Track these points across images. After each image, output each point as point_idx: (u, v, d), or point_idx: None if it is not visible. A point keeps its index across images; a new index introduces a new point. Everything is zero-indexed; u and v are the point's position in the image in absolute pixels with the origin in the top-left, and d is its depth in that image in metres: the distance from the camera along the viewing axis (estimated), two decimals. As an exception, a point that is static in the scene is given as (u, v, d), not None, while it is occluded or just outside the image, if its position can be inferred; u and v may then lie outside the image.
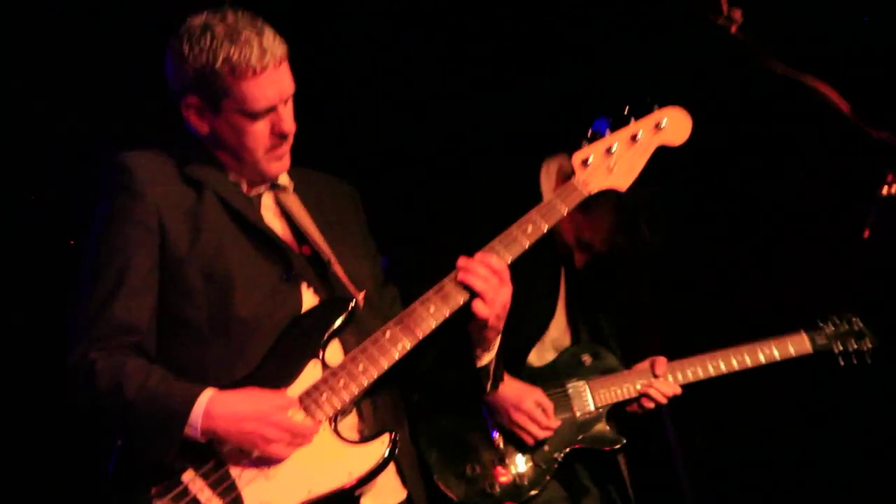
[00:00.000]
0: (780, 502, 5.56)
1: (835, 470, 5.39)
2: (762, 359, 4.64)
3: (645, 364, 4.60)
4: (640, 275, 5.07)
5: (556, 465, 4.47)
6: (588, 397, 4.55)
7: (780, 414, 5.51)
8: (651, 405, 4.57)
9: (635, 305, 5.16)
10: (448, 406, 3.82)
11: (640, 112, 3.49)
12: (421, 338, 3.27)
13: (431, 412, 4.35)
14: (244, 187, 3.40)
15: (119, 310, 3.17)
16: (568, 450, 4.51)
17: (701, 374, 4.61)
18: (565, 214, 3.40)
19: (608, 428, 4.57)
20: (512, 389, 4.37)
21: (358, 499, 3.23)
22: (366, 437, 3.26)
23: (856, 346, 4.76)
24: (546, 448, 4.47)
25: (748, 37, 2.92)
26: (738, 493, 5.59)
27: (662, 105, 3.50)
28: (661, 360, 4.58)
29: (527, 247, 3.36)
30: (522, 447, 4.45)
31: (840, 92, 2.90)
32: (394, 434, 3.24)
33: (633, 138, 3.48)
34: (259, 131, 3.28)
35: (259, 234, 3.33)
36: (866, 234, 2.77)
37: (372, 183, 3.85)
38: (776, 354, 4.66)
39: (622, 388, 4.57)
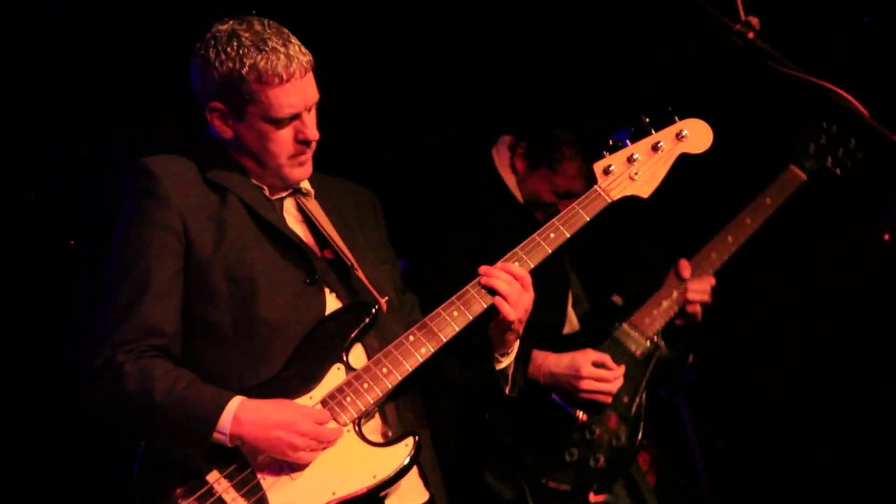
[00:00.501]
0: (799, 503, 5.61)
1: (854, 471, 5.42)
2: (769, 211, 4.53)
3: (670, 275, 4.55)
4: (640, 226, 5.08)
5: (643, 410, 4.47)
6: (637, 332, 4.51)
7: (800, 415, 5.54)
8: (697, 308, 4.53)
9: (643, 257, 5.17)
10: (518, 410, 3.81)
11: (661, 123, 3.54)
12: (444, 342, 3.30)
13: (506, 423, 4.37)
14: (266, 192, 3.42)
15: (145, 313, 3.19)
16: (645, 391, 4.49)
17: (725, 255, 4.55)
18: (588, 221, 3.43)
19: (671, 351, 4.55)
20: (564, 363, 4.38)
21: (382, 500, 3.26)
22: (389, 440, 3.29)
23: (843, 150, 4.63)
24: (625, 399, 4.46)
25: (765, 42, 2.96)
26: (757, 494, 5.62)
27: (682, 116, 3.55)
28: (683, 262, 4.54)
29: (549, 253, 3.39)
30: (603, 409, 4.42)
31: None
32: (417, 437, 3.27)
33: (655, 147, 3.53)
34: (283, 137, 3.31)
35: (282, 237, 3.35)
36: (886, 237, 2.82)
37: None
38: (779, 198, 4.54)
39: (662, 307, 4.53)
